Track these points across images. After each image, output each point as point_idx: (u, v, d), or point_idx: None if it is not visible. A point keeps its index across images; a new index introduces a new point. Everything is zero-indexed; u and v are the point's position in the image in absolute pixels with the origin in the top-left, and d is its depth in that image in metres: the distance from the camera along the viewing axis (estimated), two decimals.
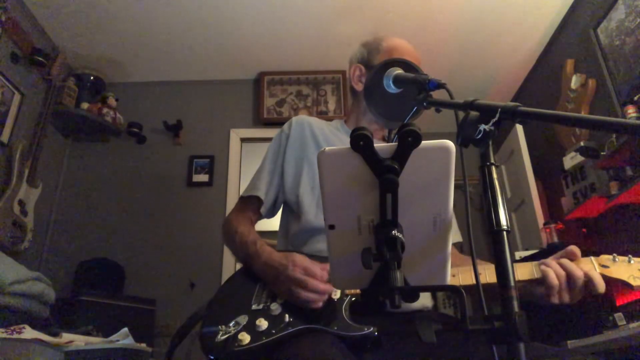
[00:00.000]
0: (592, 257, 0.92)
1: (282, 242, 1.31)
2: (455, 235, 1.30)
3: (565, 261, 0.89)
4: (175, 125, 3.58)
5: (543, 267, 0.89)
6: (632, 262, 0.91)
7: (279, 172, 1.32)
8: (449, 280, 0.63)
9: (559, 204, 3.07)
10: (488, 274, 0.91)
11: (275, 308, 0.97)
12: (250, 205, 1.29)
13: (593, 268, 0.89)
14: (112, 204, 3.43)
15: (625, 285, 0.89)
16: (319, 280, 0.95)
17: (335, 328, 0.91)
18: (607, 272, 0.89)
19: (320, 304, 0.95)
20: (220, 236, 3.26)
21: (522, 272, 0.91)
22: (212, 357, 0.92)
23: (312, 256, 1.04)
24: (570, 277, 0.86)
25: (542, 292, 0.89)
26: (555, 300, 0.87)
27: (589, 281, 0.85)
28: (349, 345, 0.90)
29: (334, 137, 1.35)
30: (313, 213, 1.20)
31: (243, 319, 0.96)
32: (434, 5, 3.11)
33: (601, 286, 0.85)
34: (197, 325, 1.08)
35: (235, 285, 1.11)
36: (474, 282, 0.63)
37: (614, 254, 0.92)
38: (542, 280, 0.88)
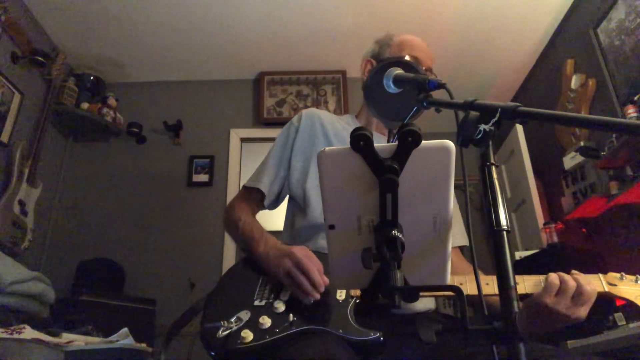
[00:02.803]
0: (600, 275, 0.92)
1: (287, 236, 1.30)
2: (461, 239, 1.28)
3: (562, 273, 0.87)
4: (175, 125, 3.58)
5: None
6: (639, 281, 0.91)
7: (285, 166, 1.30)
8: (449, 280, 0.63)
9: (559, 204, 3.07)
10: (496, 284, 0.91)
11: (279, 306, 0.96)
12: (253, 195, 1.28)
13: (600, 285, 0.89)
14: (112, 204, 3.42)
15: (631, 305, 0.88)
16: (317, 271, 0.95)
17: (341, 331, 0.90)
18: (614, 291, 0.89)
19: (312, 300, 0.94)
20: (220, 236, 3.27)
21: (529, 285, 0.91)
22: (213, 354, 0.91)
23: (316, 252, 1.04)
24: (562, 282, 0.84)
25: (542, 309, 0.85)
26: (551, 303, 0.84)
27: (578, 289, 0.83)
28: (354, 348, 0.89)
29: (345, 132, 1.33)
30: (319, 209, 1.18)
31: (245, 315, 0.95)
32: (434, 5, 3.11)
33: (589, 285, 0.84)
34: (196, 323, 1.06)
35: (236, 278, 1.09)
36: (482, 291, 0.63)
37: (622, 273, 0.92)
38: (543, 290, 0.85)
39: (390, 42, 1.36)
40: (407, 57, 1.28)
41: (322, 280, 0.94)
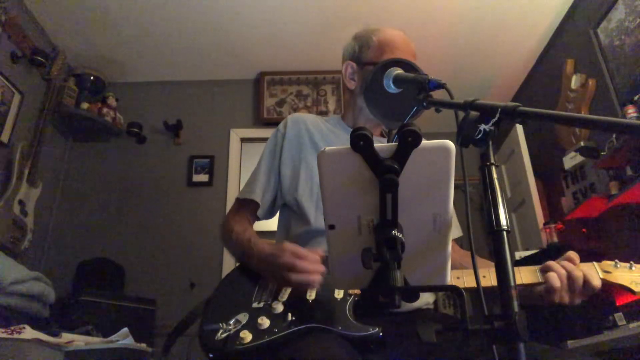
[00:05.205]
0: (595, 263, 0.93)
1: (282, 241, 1.29)
2: (455, 231, 1.29)
3: (565, 262, 0.89)
4: (175, 125, 3.58)
5: (547, 271, 0.89)
6: (633, 268, 0.92)
7: (275, 174, 1.29)
8: (450, 280, 0.63)
9: (559, 204, 3.07)
10: (493, 277, 0.91)
11: (277, 306, 0.95)
12: (247, 207, 1.27)
13: (595, 273, 0.90)
14: (113, 204, 3.43)
15: (626, 291, 0.89)
16: (308, 261, 0.94)
17: (340, 328, 0.90)
18: (609, 278, 0.90)
19: (316, 285, 0.92)
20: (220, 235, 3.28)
21: (525, 275, 0.92)
22: (211, 356, 0.90)
23: None
24: (570, 277, 0.87)
25: (541, 291, 0.89)
26: (555, 299, 0.87)
27: (586, 279, 0.87)
28: (353, 345, 0.89)
29: (332, 134, 1.33)
30: (313, 215, 1.19)
31: (244, 317, 0.95)
32: (435, 5, 3.11)
33: (596, 279, 0.87)
34: (195, 325, 1.07)
35: (234, 283, 1.10)
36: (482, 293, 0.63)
37: (616, 260, 0.93)
38: (544, 283, 0.88)
39: (369, 42, 1.32)
40: None
41: (317, 266, 0.93)
